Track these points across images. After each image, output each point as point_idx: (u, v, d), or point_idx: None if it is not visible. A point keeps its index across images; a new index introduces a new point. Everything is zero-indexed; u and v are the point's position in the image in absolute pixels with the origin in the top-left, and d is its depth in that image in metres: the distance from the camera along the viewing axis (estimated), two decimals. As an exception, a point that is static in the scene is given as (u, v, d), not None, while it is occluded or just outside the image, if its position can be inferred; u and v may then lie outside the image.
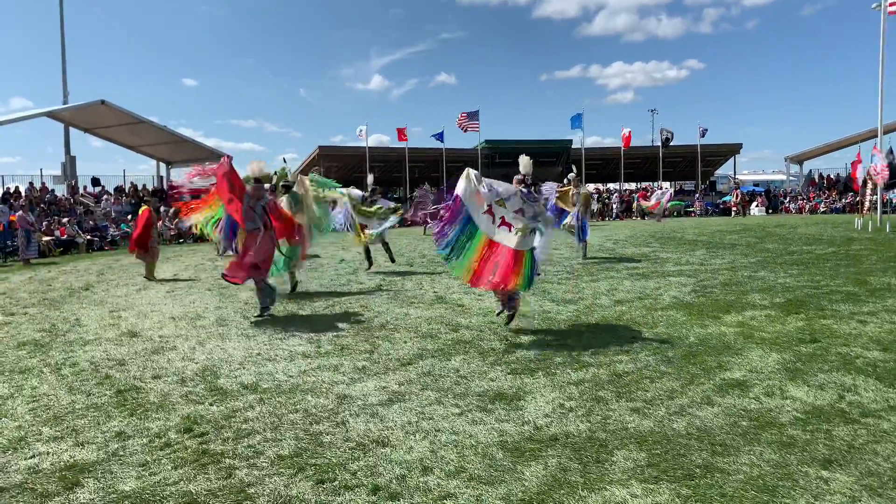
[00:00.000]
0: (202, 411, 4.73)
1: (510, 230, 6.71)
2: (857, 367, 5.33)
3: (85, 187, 29.11)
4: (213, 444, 4.13)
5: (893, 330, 6.56)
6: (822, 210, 35.19)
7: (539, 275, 7.27)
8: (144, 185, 31.83)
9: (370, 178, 13.68)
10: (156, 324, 8.00)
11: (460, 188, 6.75)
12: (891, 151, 19.33)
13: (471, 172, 6.82)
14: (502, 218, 6.76)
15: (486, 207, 6.76)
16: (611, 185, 46.59)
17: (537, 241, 6.84)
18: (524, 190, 6.90)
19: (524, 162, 7.08)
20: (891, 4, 20.24)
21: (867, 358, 5.57)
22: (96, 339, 7.22)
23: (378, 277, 11.62)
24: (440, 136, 38.24)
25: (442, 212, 6.93)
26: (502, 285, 6.61)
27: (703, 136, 40.61)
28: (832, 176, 40.76)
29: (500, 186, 6.86)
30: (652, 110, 76.85)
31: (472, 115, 38.18)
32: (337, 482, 3.55)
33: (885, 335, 6.36)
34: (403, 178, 39.38)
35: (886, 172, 19.81)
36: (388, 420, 4.45)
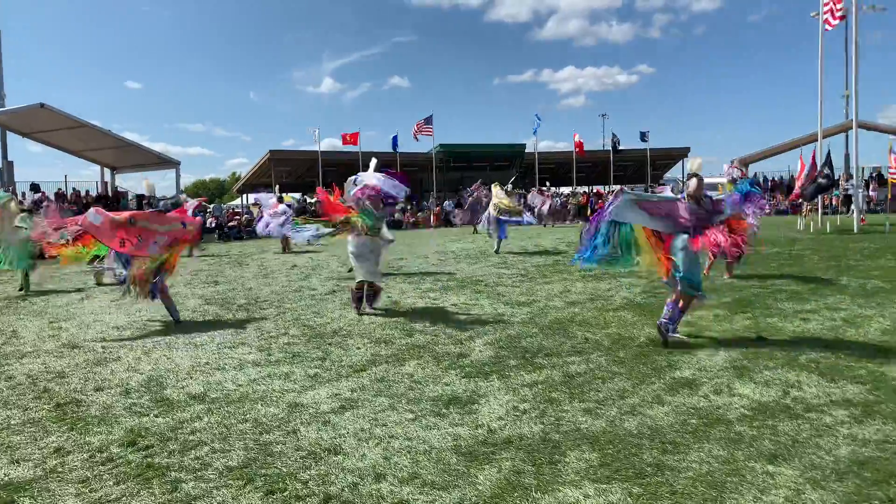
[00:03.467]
0: (147, 423, 4.57)
1: None
2: (800, 363, 5.48)
3: (24, 193, 28.04)
4: (157, 457, 3.99)
5: (834, 327, 6.77)
6: (766, 212, 36.24)
7: None
8: (88, 191, 30.90)
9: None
10: (98, 334, 7.74)
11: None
12: (828, 157, 19.96)
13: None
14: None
15: None
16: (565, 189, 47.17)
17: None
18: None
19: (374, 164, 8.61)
20: (826, 21, 21.01)
21: (810, 355, 5.73)
22: (34, 351, 6.94)
23: (331, 283, 11.49)
24: (394, 141, 38.11)
25: None
26: None
27: (643, 140, 41.49)
28: (776, 178, 42.08)
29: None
30: (603, 115, 77.98)
31: (427, 120, 38.18)
32: (287, 492, 3.46)
33: (826, 332, 6.56)
34: (357, 182, 39.11)
35: (811, 180, 20.54)
36: (341, 428, 4.38)
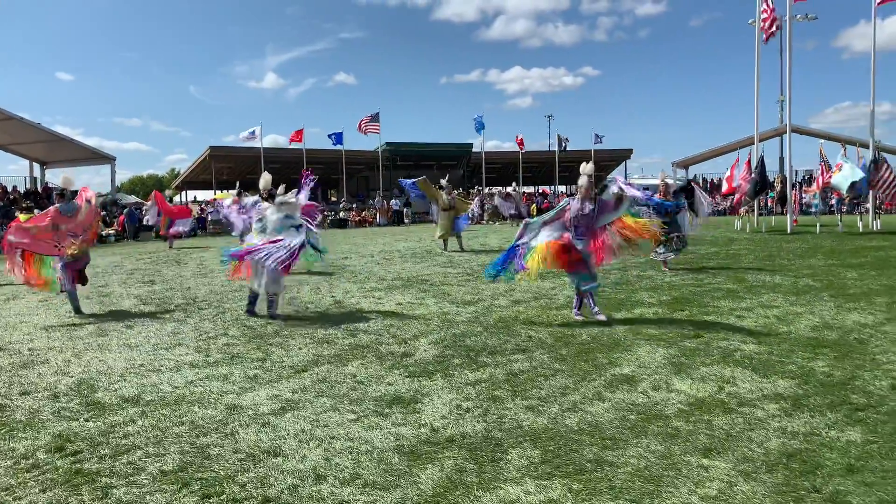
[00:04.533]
0: (76, 428, 4.39)
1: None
2: (735, 359, 5.65)
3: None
4: (87, 462, 3.83)
5: (767, 324, 7.01)
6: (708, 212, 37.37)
7: None
8: (15, 187, 29.61)
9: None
10: (25, 335, 7.40)
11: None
12: (761, 161, 20.74)
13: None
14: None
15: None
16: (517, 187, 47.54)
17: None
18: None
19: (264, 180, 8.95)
20: (764, 30, 21.75)
21: (744, 351, 5.92)
22: (-44, 353, 6.58)
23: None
24: (339, 138, 37.65)
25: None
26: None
27: (598, 143, 42.27)
28: (715, 180, 43.42)
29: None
30: (548, 116, 79.05)
31: (374, 118, 37.94)
32: (224, 496, 3.37)
33: (759, 329, 6.79)
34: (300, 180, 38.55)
35: (747, 182, 21.33)
36: (281, 429, 4.29)
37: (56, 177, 33.52)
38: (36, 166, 32.76)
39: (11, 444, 4.13)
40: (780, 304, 8.12)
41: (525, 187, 45.02)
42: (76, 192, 9.50)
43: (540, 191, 47.19)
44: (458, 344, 6.48)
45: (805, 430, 4.04)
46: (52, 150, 31.20)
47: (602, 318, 7.36)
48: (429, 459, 3.76)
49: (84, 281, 8.99)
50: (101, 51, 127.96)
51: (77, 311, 8.64)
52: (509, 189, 31.82)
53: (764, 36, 21.83)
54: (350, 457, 3.83)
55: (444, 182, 17.91)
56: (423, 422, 4.37)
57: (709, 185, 42.54)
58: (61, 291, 8.81)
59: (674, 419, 4.29)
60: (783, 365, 5.45)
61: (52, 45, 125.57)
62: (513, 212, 28.32)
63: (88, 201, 8.77)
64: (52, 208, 8.62)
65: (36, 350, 6.66)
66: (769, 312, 7.59)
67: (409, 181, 17.44)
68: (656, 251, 11.47)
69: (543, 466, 3.63)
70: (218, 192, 23.27)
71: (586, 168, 7.71)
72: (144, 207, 22.99)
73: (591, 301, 7.53)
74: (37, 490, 3.49)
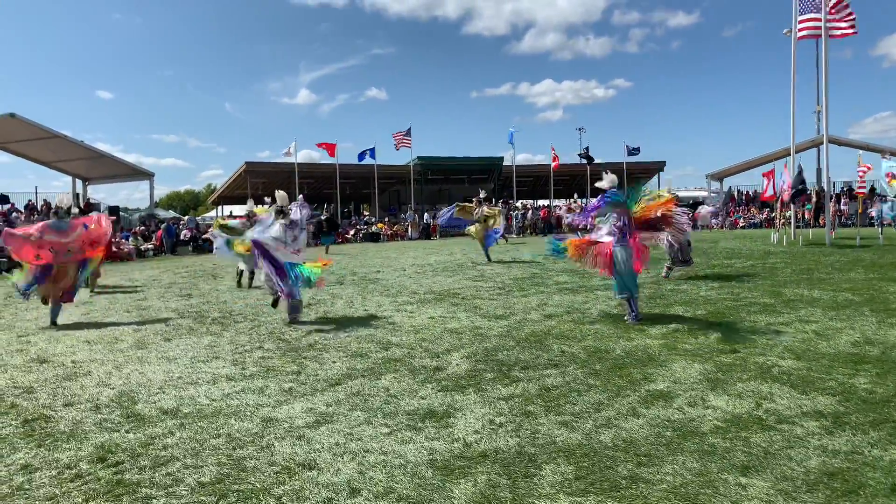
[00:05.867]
0: (117, 439, 4.49)
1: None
2: (773, 375, 5.55)
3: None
4: (128, 473, 3.92)
5: (806, 339, 6.87)
6: (741, 225, 36.82)
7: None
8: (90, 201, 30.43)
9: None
10: (68, 348, 7.60)
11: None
12: (800, 169, 20.40)
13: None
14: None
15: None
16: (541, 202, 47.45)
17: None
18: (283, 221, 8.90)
19: (280, 197, 9.24)
20: (800, 30, 21.42)
21: (782, 367, 5.81)
22: (1, 365, 6.79)
23: (307, 296, 11.41)
24: (371, 153, 37.99)
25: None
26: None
27: (631, 155, 41.94)
28: (751, 192, 42.76)
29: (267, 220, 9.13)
30: (580, 129, 78.87)
31: (406, 133, 38.25)
32: (260, 509, 3.42)
33: (798, 344, 6.66)
34: (334, 194, 38.98)
35: (789, 191, 20.96)
36: (315, 442, 4.34)
37: (98, 192, 34.46)
38: (78, 182, 33.67)
39: (56, 455, 4.24)
40: (818, 318, 7.96)
41: (557, 201, 44.86)
42: (85, 211, 10.33)
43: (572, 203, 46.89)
44: (490, 358, 6.48)
45: (847, 449, 3.95)
46: (94, 167, 32.06)
47: (627, 319, 8.12)
48: (462, 474, 3.77)
49: (67, 299, 9.46)
50: (139, 69, 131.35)
51: (52, 322, 9.21)
52: (572, 203, 31.78)
53: (798, 36, 21.41)
54: (384, 470, 3.85)
55: (482, 194, 18.34)
56: (456, 436, 4.37)
57: (743, 198, 41.95)
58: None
59: (710, 436, 4.23)
60: (823, 381, 5.34)
61: (92, 64, 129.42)
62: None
63: (86, 226, 9.46)
64: (42, 223, 9.39)
65: (78, 362, 6.84)
66: (808, 327, 7.44)
67: (446, 217, 18.12)
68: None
69: (578, 483, 3.61)
70: (257, 206, 23.47)
71: (603, 182, 8.29)
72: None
73: (630, 306, 8.16)
74: (80, 500, 3.59)
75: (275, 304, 9.17)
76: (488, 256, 17.63)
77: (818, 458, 3.82)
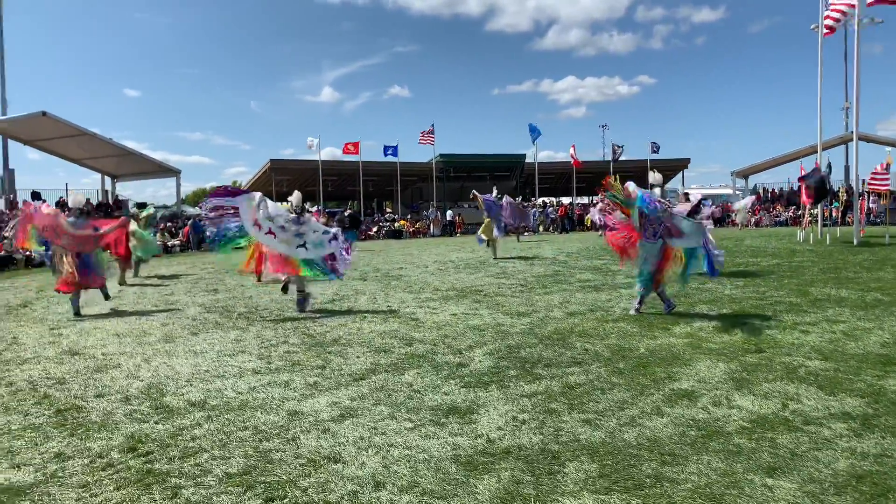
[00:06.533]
0: (147, 430, 4.58)
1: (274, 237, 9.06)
2: (799, 376, 5.49)
3: (25, 202, 28.07)
4: (157, 463, 4.00)
5: (833, 339, 6.78)
6: (766, 223, 36.34)
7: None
8: (88, 199, 30.90)
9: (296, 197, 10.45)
10: (99, 341, 7.75)
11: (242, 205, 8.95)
12: (829, 167, 20.09)
13: (256, 195, 9.08)
14: (269, 228, 9.00)
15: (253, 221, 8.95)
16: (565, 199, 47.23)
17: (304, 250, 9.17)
18: (294, 216, 9.35)
19: (296, 197, 9.94)
20: (826, 27, 21.06)
21: (809, 367, 5.75)
22: (35, 357, 6.95)
23: (330, 292, 11.51)
24: (394, 151, 38.12)
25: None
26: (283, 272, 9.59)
27: (654, 152, 41.58)
28: (776, 190, 42.17)
29: (272, 209, 9.18)
30: (603, 126, 78.32)
31: (430, 130, 38.33)
32: (287, 499, 3.47)
33: (825, 345, 6.57)
34: (358, 192, 39.15)
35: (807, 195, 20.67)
36: (340, 436, 4.39)
37: (126, 189, 35.03)
38: (107, 179, 34.19)
39: (88, 444, 4.34)
40: (846, 318, 7.84)
41: (580, 198, 44.62)
42: (88, 212, 11.16)
43: (594, 200, 46.61)
44: (513, 355, 6.49)
45: (876, 452, 3.90)
46: (122, 164, 32.52)
47: (632, 311, 8.57)
48: (486, 470, 3.79)
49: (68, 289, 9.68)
50: (166, 67, 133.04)
51: (75, 313, 9.62)
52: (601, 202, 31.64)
53: (825, 31, 21.04)
54: (408, 465, 3.88)
55: (495, 192, 18.88)
56: (479, 432, 4.40)
57: (769, 195, 41.38)
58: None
59: (735, 436, 4.20)
60: (851, 382, 5.27)
61: (119, 62, 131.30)
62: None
63: (96, 228, 10.13)
64: (62, 214, 9.98)
65: (109, 355, 6.97)
66: (835, 327, 7.34)
67: (491, 199, 18.84)
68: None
69: (601, 481, 3.61)
70: (280, 203, 23.71)
71: (654, 178, 8.80)
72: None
73: (639, 300, 8.66)
74: (111, 488, 3.67)
75: (284, 289, 10.30)
76: (495, 254, 18.15)
77: (846, 461, 3.78)
